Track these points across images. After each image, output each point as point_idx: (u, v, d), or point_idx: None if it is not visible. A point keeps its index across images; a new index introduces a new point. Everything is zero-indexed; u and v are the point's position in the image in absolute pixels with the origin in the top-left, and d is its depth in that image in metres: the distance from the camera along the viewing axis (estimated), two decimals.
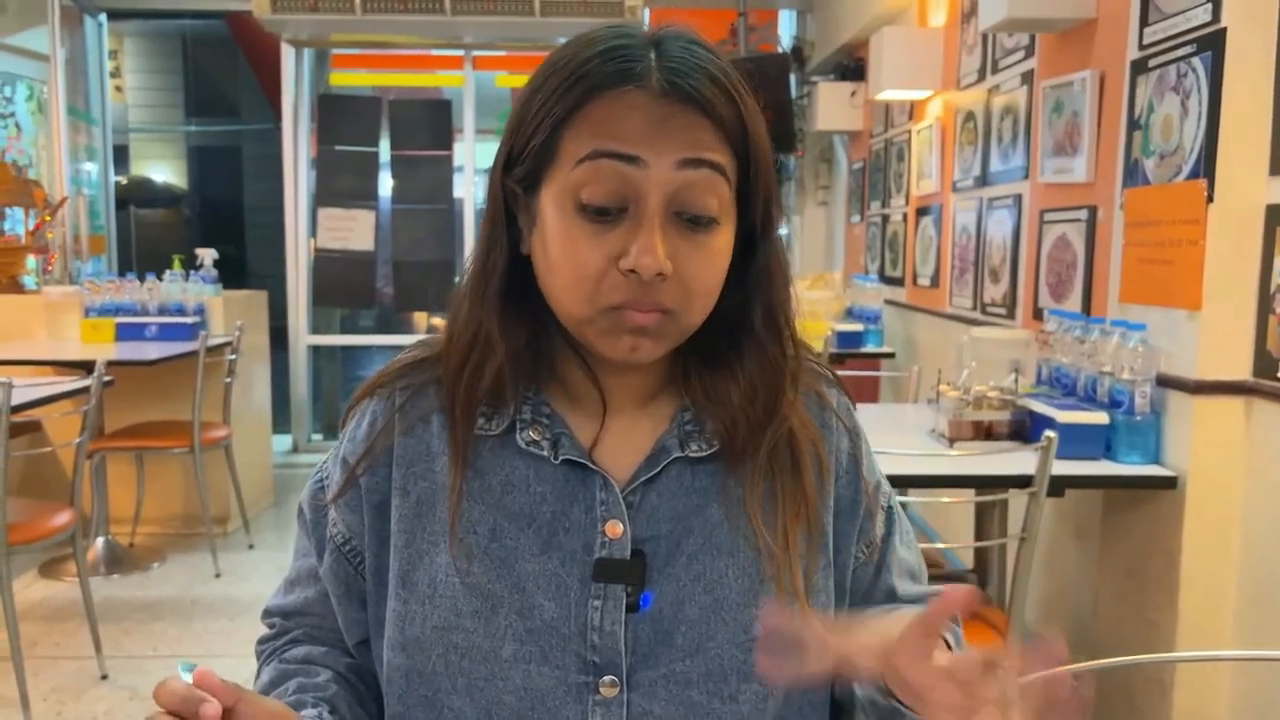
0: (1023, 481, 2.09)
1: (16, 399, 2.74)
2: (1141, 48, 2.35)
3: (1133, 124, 2.38)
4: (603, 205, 0.77)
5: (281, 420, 5.57)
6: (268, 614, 0.98)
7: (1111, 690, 2.39)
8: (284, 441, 5.84)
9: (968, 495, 2.40)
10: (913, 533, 0.99)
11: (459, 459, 0.85)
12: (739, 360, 0.86)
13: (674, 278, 0.78)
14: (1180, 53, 2.18)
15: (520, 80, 6.12)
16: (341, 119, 5.79)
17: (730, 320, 0.86)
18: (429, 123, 5.85)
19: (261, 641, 0.97)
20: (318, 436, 6.19)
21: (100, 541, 4.09)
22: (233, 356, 4.26)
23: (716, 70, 0.78)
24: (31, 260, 4.82)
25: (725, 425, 0.85)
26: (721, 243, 0.81)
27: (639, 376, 0.87)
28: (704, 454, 0.85)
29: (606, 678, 0.80)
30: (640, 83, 0.77)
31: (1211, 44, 2.07)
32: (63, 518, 2.93)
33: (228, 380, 4.25)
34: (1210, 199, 2.06)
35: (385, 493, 0.87)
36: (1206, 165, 2.08)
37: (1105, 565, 2.46)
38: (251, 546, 4.33)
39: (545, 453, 0.85)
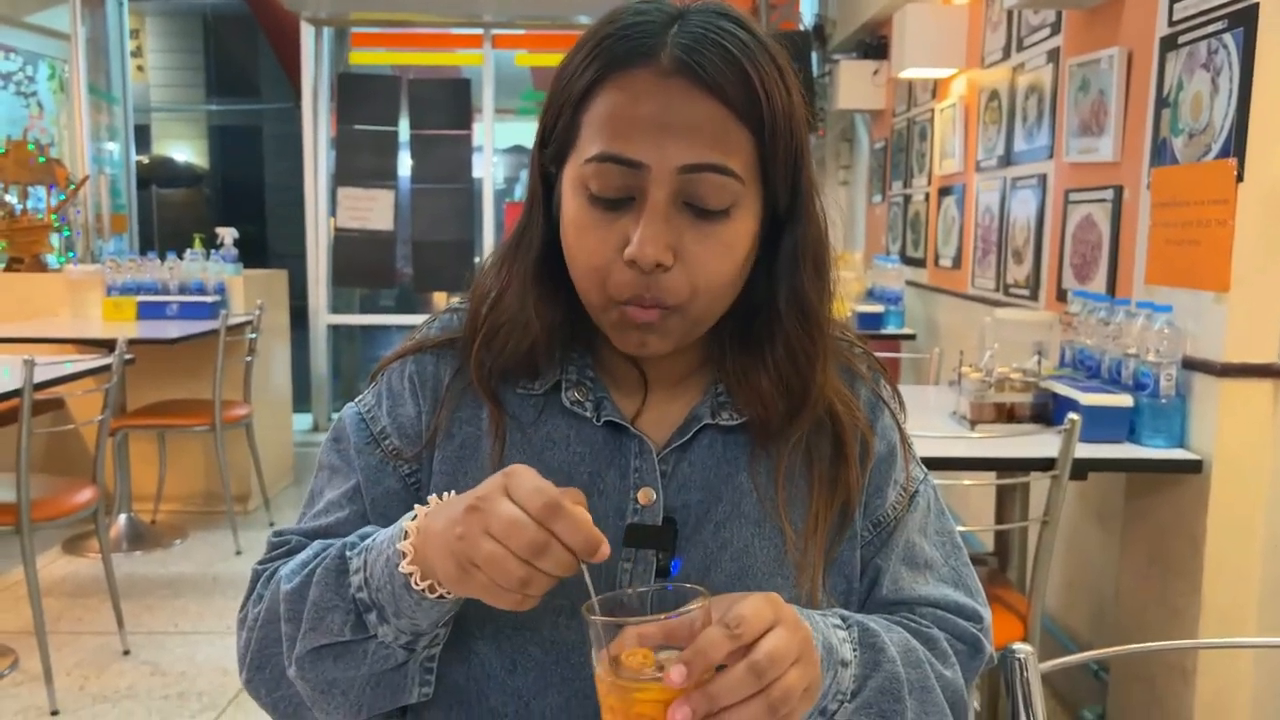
0: (1045, 464, 2.07)
1: (39, 377, 2.75)
2: (1171, 24, 2.30)
3: (1161, 102, 2.34)
4: (612, 198, 0.78)
5: (301, 399, 5.59)
6: (281, 534, 0.89)
7: (1133, 677, 2.37)
8: (304, 420, 5.87)
9: (989, 478, 2.38)
10: (947, 529, 0.95)
11: (500, 414, 0.86)
12: (770, 345, 0.85)
13: (680, 268, 0.78)
14: (1211, 29, 2.14)
15: (539, 59, 6.13)
16: (361, 98, 5.78)
17: (760, 305, 0.85)
18: (448, 102, 5.84)
19: (267, 560, 0.87)
20: (338, 415, 6.22)
21: (123, 518, 4.13)
22: (253, 335, 4.27)
23: (735, 45, 0.76)
24: (55, 239, 4.85)
25: (756, 410, 0.86)
26: (735, 232, 0.80)
27: (675, 355, 0.86)
28: (735, 422, 0.86)
29: None
30: (650, 62, 0.77)
31: (1244, 19, 2.03)
32: (85, 495, 2.95)
33: (248, 359, 4.27)
34: (1240, 178, 2.03)
35: (433, 435, 0.87)
36: (1237, 144, 2.04)
37: (1128, 550, 2.43)
38: (272, 524, 4.36)
39: (588, 413, 0.86)
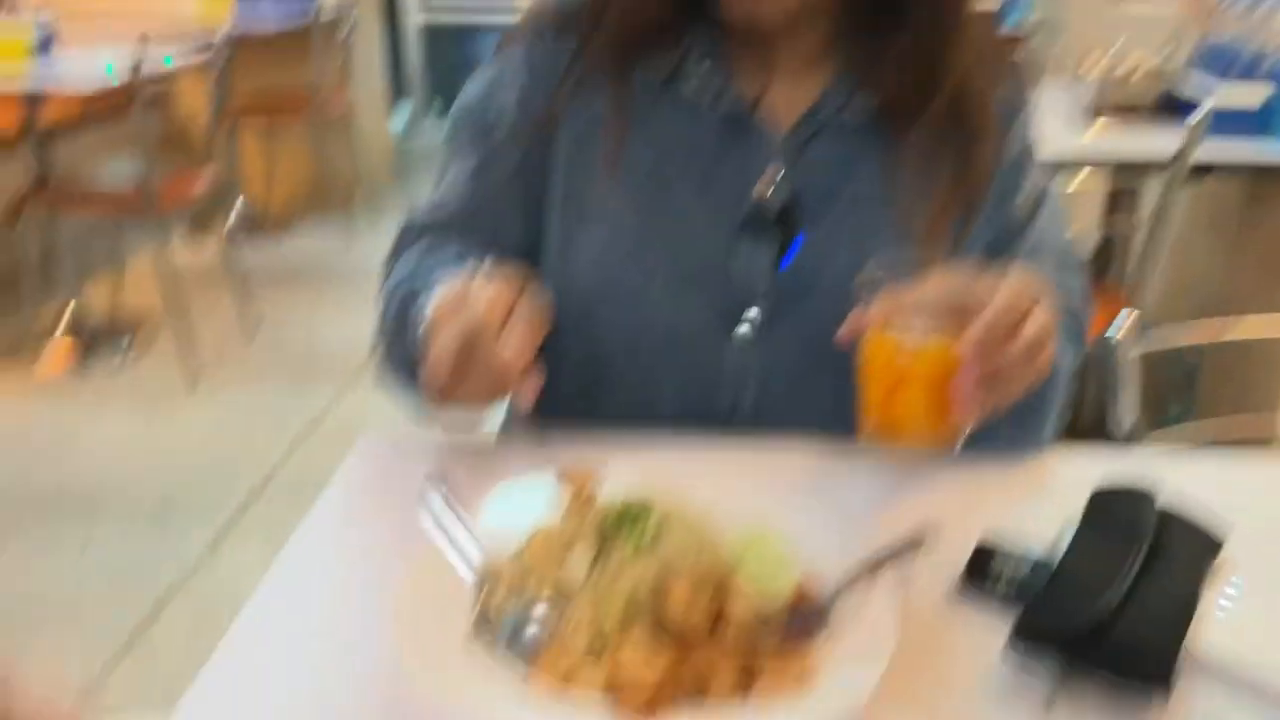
0: (1163, 166, 1.99)
1: (145, 71, 2.79)
2: None
3: None
4: None
5: (400, 96, 5.56)
6: (407, 225, 0.91)
7: (1222, 370, 2.36)
8: (400, 118, 5.86)
9: (1100, 180, 2.30)
10: (1064, 235, 0.93)
11: (620, 96, 0.86)
12: (903, 28, 0.82)
13: None
14: None
15: None
16: None
17: None
18: None
19: (392, 255, 0.91)
20: (460, 91, 6.13)
21: (238, 205, 4.27)
22: (346, 31, 4.23)
23: None
24: None
25: (885, 97, 0.84)
26: None
27: (801, 36, 0.84)
28: (862, 112, 0.85)
29: (746, 320, 0.84)
30: None
31: None
32: (203, 182, 3.06)
33: (344, 53, 4.24)
34: None
35: (550, 118, 0.87)
36: None
37: (1239, 257, 2.36)
38: (375, 215, 4.48)
39: (708, 101, 0.85)
